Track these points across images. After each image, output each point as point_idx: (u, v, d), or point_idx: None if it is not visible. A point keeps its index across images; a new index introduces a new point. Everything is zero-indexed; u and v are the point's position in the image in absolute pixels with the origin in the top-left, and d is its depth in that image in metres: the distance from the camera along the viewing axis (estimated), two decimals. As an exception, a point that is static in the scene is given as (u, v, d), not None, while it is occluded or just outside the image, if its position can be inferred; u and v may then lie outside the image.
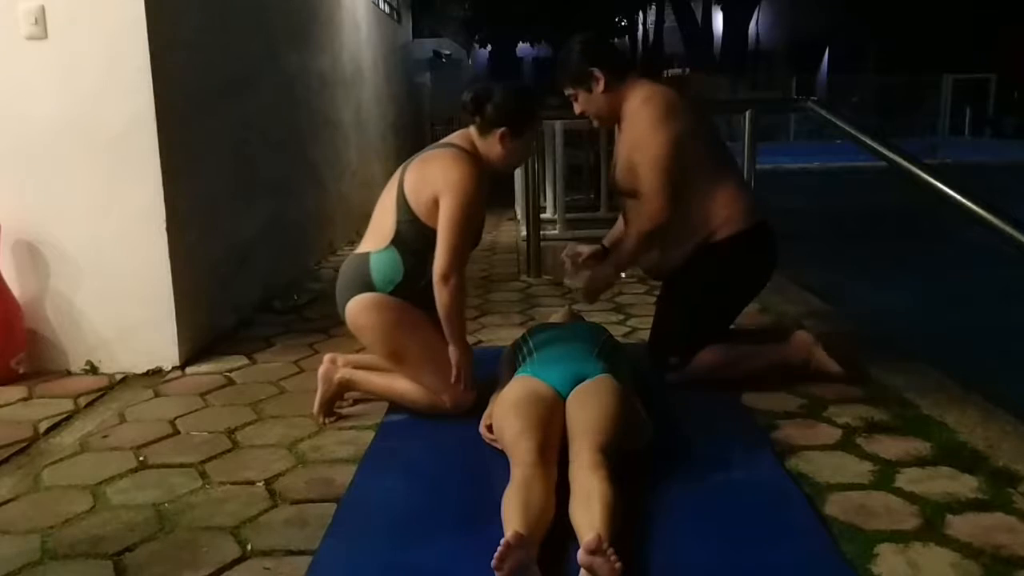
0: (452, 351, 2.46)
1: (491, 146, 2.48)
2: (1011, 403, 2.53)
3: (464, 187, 2.36)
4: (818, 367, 2.70)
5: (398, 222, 2.44)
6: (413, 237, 2.44)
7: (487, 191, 2.46)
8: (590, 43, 2.78)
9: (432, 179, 2.41)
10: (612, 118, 2.81)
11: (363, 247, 2.52)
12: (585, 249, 2.87)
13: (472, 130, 2.50)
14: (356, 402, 2.70)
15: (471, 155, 2.45)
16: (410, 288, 2.46)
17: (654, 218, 2.64)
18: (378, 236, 2.49)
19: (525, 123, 2.49)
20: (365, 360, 2.75)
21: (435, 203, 2.38)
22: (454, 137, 2.55)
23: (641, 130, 2.65)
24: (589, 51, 2.74)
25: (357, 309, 2.48)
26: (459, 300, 2.41)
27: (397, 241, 2.45)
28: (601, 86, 2.71)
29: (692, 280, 2.72)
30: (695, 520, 1.91)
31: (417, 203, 2.42)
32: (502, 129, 2.45)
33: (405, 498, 2.07)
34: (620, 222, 2.98)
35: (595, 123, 2.90)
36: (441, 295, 2.39)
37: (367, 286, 2.46)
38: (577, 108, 2.82)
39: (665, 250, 2.76)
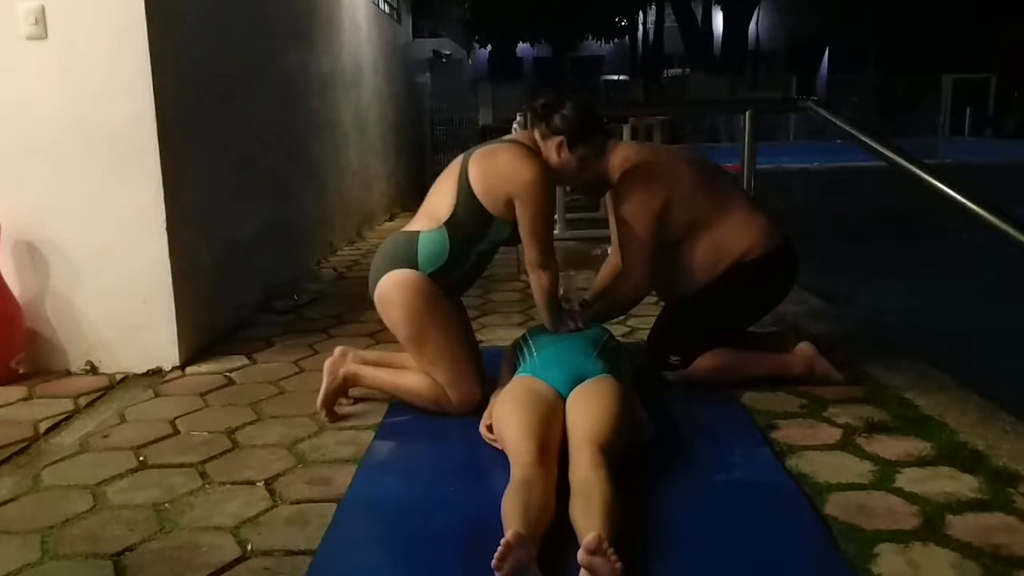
0: (554, 325, 2.59)
1: (550, 152, 2.53)
2: (1011, 403, 2.53)
3: (536, 187, 2.43)
4: (821, 378, 2.70)
5: (457, 204, 2.48)
6: (468, 220, 2.48)
7: (553, 187, 2.57)
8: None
9: (503, 174, 2.45)
10: (603, 188, 2.87)
11: (412, 226, 2.55)
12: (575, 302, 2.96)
13: (537, 134, 2.56)
14: (357, 400, 2.70)
15: (536, 152, 2.51)
16: (450, 273, 2.51)
17: (637, 288, 2.79)
18: (431, 217, 2.52)
19: (580, 138, 2.52)
20: (373, 357, 2.76)
21: (507, 201, 2.45)
22: (519, 136, 2.61)
23: (620, 209, 2.73)
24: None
25: (392, 283, 2.49)
26: (555, 285, 2.57)
27: (450, 223, 2.48)
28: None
29: (713, 292, 2.72)
30: (695, 520, 1.91)
31: (484, 192, 2.46)
32: (559, 139, 2.50)
33: (405, 498, 2.07)
34: (608, 265, 3.02)
35: (590, 199, 2.98)
36: (540, 281, 2.53)
37: (409, 263, 2.48)
38: (568, 185, 2.90)
39: (683, 286, 2.78)
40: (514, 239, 2.54)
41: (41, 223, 3.05)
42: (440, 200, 2.53)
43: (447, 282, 2.52)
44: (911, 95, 19.25)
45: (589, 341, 2.46)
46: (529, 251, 2.50)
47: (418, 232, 2.51)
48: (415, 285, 2.47)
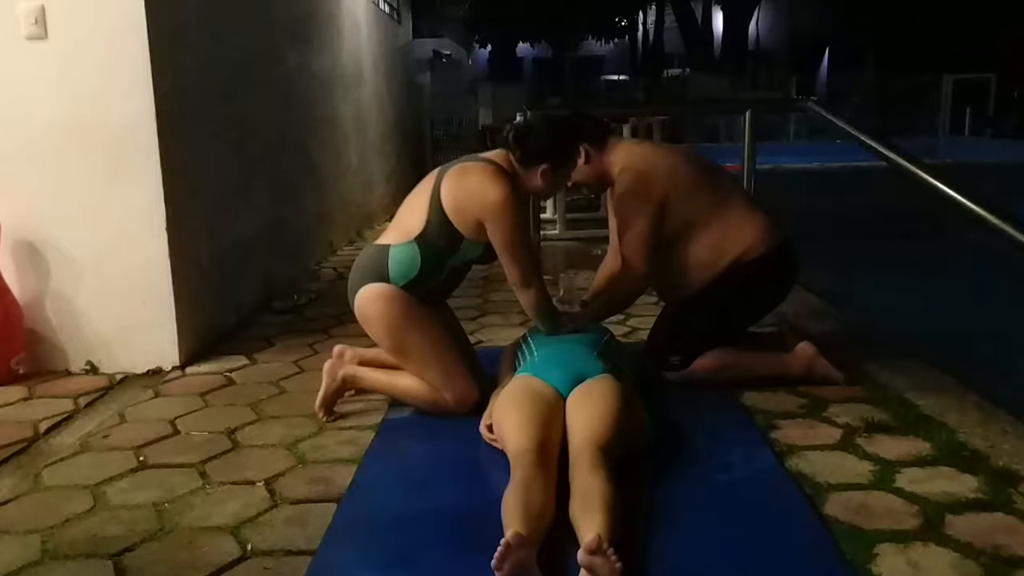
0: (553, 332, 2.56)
1: (531, 178, 2.52)
2: (1011, 403, 2.53)
3: (504, 209, 2.41)
4: (821, 378, 2.70)
5: (428, 221, 2.47)
6: (439, 236, 2.47)
7: (526, 205, 2.56)
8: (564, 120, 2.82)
9: (471, 195, 2.44)
10: (602, 184, 2.87)
11: (384, 240, 2.55)
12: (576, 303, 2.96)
13: (514, 159, 2.53)
14: (357, 394, 2.70)
15: (508, 174, 2.49)
16: (422, 286, 2.50)
17: (636, 282, 2.82)
18: (402, 231, 2.52)
19: (565, 159, 2.54)
20: (371, 354, 2.76)
21: (477, 223, 2.44)
22: (494, 155, 2.57)
23: (620, 206, 2.74)
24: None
25: (367, 298, 2.50)
26: (544, 299, 2.54)
27: (421, 238, 2.47)
28: (583, 158, 2.75)
29: (713, 292, 2.73)
30: (695, 520, 1.91)
31: (453, 212, 2.45)
32: (544, 166, 2.50)
33: (405, 498, 2.07)
34: (604, 267, 3.01)
35: (589, 194, 2.97)
36: (527, 298, 2.52)
37: (381, 277, 2.48)
38: (568, 182, 2.90)
39: (682, 285, 2.79)
40: (487, 258, 2.55)
41: (41, 223, 3.05)
42: (412, 214, 2.52)
43: (423, 292, 2.51)
44: (911, 95, 19.24)
45: (590, 341, 2.46)
46: (509, 271, 2.49)
47: (388, 246, 2.50)
48: (388, 297, 2.47)
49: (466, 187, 2.46)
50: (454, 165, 2.56)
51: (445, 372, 2.50)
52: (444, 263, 2.51)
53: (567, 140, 2.57)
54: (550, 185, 2.56)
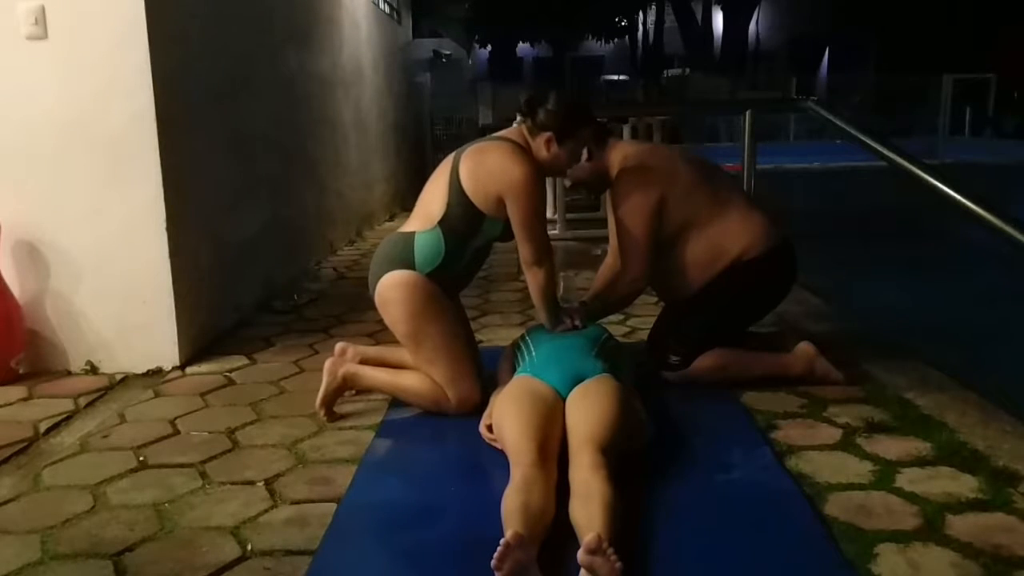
0: (552, 323, 2.59)
1: (539, 147, 2.54)
2: (1011, 403, 2.53)
3: (526, 186, 2.44)
4: (821, 378, 2.70)
5: (449, 204, 2.49)
6: (461, 219, 2.49)
7: (543, 184, 2.57)
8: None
9: (493, 173, 2.46)
10: (602, 184, 2.87)
11: (408, 227, 2.56)
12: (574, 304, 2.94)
13: (525, 129, 2.56)
14: (358, 394, 2.70)
15: (525, 150, 2.52)
16: (447, 272, 2.52)
17: (635, 282, 2.79)
18: (425, 217, 2.53)
19: (569, 132, 2.54)
20: (373, 353, 2.76)
21: (498, 200, 2.46)
22: (508, 132, 2.61)
23: (618, 205, 2.74)
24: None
25: (391, 283, 2.50)
26: (551, 282, 2.55)
27: (444, 222, 2.49)
28: (585, 156, 2.75)
29: (712, 292, 2.73)
30: (695, 520, 1.91)
31: (474, 191, 2.47)
32: (548, 134, 2.51)
33: (405, 498, 2.08)
34: (605, 267, 2.99)
35: (590, 195, 2.97)
36: (536, 279, 2.53)
37: (407, 263, 2.49)
38: (568, 181, 2.91)
39: (682, 285, 2.78)
40: (508, 235, 2.55)
41: (41, 223, 3.05)
42: (433, 199, 2.54)
43: (445, 280, 2.53)
44: (911, 95, 19.24)
45: (588, 340, 2.46)
46: (523, 249, 2.51)
47: (414, 233, 2.52)
48: (413, 284, 2.48)
49: (487, 165, 2.48)
50: (469, 146, 2.57)
51: (453, 370, 2.51)
52: (467, 245, 2.53)
53: (576, 113, 2.56)
54: (555, 157, 2.54)
